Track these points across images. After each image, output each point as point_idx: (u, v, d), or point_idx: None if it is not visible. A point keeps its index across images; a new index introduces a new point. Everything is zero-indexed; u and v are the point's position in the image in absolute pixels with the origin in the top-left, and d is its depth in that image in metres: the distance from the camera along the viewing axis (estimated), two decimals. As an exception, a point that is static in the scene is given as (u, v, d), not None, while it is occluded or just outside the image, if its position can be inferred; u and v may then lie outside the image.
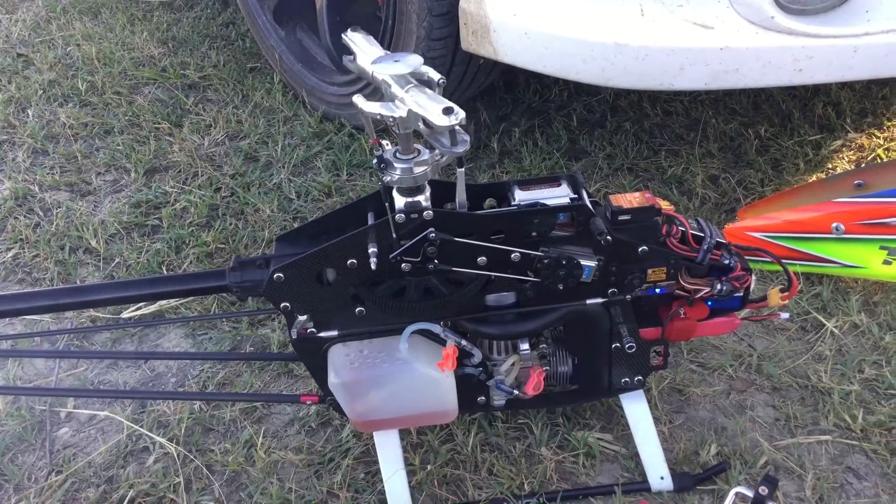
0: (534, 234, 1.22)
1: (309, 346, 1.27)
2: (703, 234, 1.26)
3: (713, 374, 1.55)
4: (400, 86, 1.07)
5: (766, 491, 0.93)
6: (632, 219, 1.22)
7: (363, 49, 1.17)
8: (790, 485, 1.35)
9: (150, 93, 2.76)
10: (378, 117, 1.08)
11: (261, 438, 1.48)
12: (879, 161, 2.12)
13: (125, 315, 1.82)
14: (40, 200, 2.28)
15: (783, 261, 1.33)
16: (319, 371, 1.30)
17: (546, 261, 1.21)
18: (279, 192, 2.22)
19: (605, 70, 1.70)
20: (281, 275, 1.20)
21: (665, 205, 1.27)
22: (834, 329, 1.61)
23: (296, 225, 2.10)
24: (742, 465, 1.37)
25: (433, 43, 2.04)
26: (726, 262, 1.27)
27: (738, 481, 1.34)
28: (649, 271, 1.25)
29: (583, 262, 1.22)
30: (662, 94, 2.46)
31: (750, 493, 0.97)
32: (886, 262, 1.62)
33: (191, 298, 1.83)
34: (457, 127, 1.02)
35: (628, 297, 1.27)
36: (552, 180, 1.28)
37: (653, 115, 2.40)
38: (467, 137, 1.06)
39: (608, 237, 1.20)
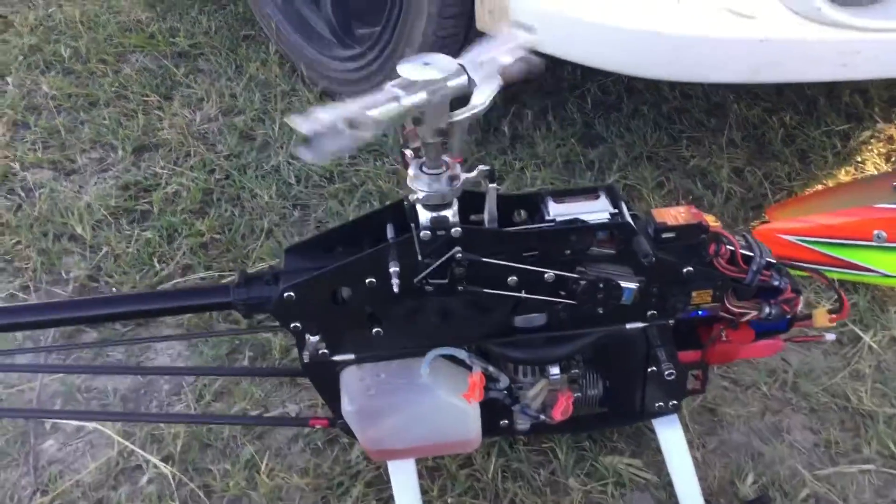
0: (567, 252, 1.11)
1: (321, 369, 1.17)
2: (752, 254, 1.16)
3: (746, 392, 1.46)
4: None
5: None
6: (677, 237, 1.11)
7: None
8: (832, 519, 1.27)
9: (137, 61, 2.60)
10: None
11: (264, 460, 1.38)
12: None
13: (114, 313, 1.69)
14: (22, 179, 2.14)
15: (831, 277, 1.24)
16: (331, 394, 1.19)
17: (583, 282, 1.11)
18: (277, 175, 2.09)
19: (635, 60, 1.58)
20: (292, 294, 1.09)
21: (711, 220, 1.16)
22: (872, 343, 1.52)
23: (296, 213, 1.98)
24: (782, 497, 1.28)
25: (444, 21, 1.90)
26: (776, 283, 1.17)
27: (778, 515, 1.26)
28: (694, 293, 1.15)
29: (623, 285, 1.11)
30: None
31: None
32: (932, 274, 1.53)
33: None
34: None
35: (671, 321, 1.17)
36: (589, 192, 1.16)
37: (671, 99, 2.27)
38: None
39: (652, 258, 1.10)
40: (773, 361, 1.51)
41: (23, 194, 2.09)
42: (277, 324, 1.14)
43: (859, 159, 2.03)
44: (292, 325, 1.13)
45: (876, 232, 1.54)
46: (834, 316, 1.22)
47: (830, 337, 1.30)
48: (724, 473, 1.32)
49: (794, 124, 2.14)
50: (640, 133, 2.14)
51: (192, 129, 2.29)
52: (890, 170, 1.97)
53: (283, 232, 1.91)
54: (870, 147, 2.07)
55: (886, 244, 1.54)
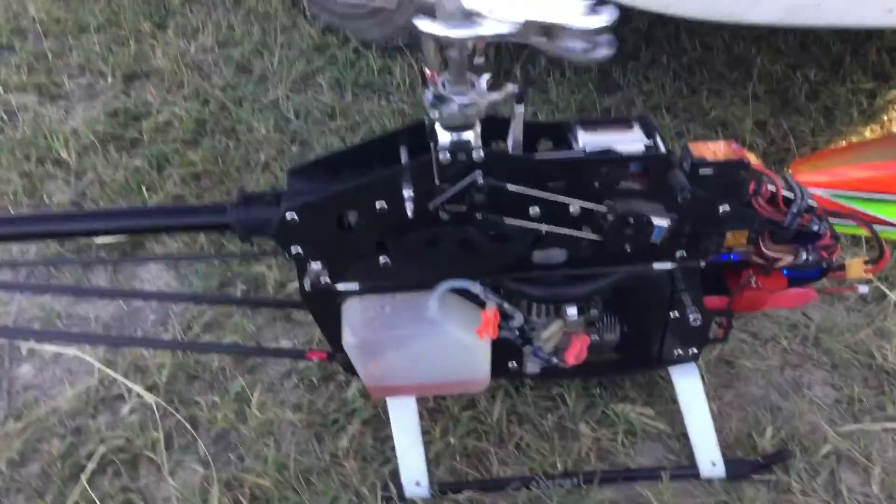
0: (596, 184, 1.02)
1: (322, 298, 1.08)
2: (792, 196, 1.07)
3: (766, 346, 1.39)
4: None
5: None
6: (714, 173, 1.03)
7: None
8: (854, 478, 1.20)
9: (130, -12, 2.47)
10: (472, 41, 0.87)
11: (255, 393, 1.30)
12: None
13: (99, 241, 1.60)
14: (4, 102, 2.03)
15: (860, 231, 1.16)
16: (331, 326, 1.11)
17: (611, 217, 1.02)
18: (276, 109, 1.99)
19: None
20: (295, 216, 1.00)
21: (753, 158, 1.08)
22: (898, 302, 1.45)
23: (295, 148, 1.88)
24: (802, 453, 1.21)
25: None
26: (815, 228, 1.08)
27: (799, 471, 1.19)
28: (728, 235, 1.07)
29: (654, 221, 1.02)
30: (702, 27, 2.23)
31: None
32: (967, 232, 1.45)
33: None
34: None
35: (702, 263, 1.09)
36: (622, 122, 1.07)
37: (691, 50, 2.17)
38: (611, 37, 0.85)
39: (688, 194, 1.01)
40: (794, 316, 1.43)
41: (5, 117, 1.98)
42: (275, 250, 1.06)
43: (885, 118, 1.94)
44: (293, 251, 1.04)
45: (912, 186, 1.46)
46: (871, 267, 1.14)
47: (863, 289, 1.22)
48: (742, 426, 1.25)
49: (818, 80, 2.04)
50: (658, 83, 2.04)
51: (187, 59, 2.18)
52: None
53: (281, 166, 1.81)
54: (895, 106, 1.98)
55: (920, 199, 1.46)
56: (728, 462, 1.19)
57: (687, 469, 1.19)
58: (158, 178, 1.77)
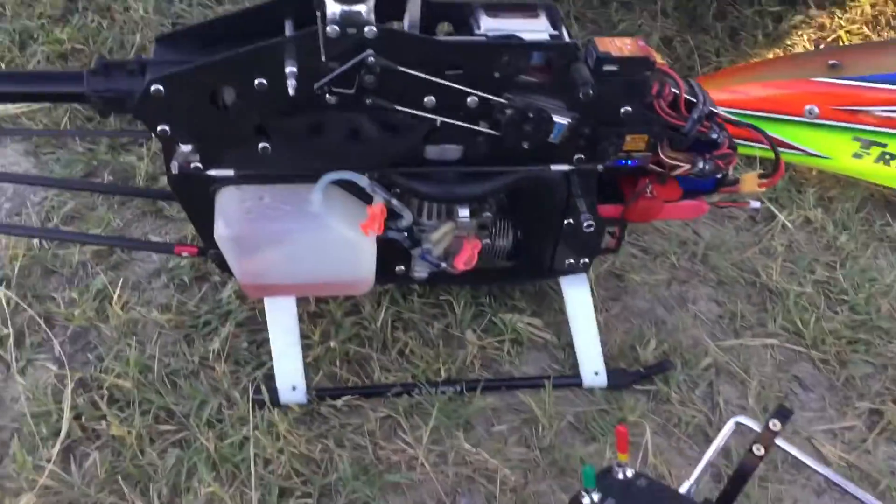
0: (497, 74, 0.96)
1: (192, 185, 0.99)
2: (695, 101, 1.04)
3: (655, 262, 1.38)
4: None
5: (778, 426, 0.76)
6: (619, 70, 0.97)
7: None
8: (732, 391, 1.21)
9: None
10: None
11: (117, 290, 1.19)
12: (844, 43, 1.95)
13: (-54, 118, 1.43)
14: None
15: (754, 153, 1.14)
16: (202, 218, 1.02)
17: (509, 111, 0.96)
18: (158, -12, 1.81)
19: None
20: (160, 87, 0.89)
21: (658, 58, 1.03)
22: (786, 222, 1.46)
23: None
24: (683, 365, 1.22)
25: None
26: (714, 136, 1.06)
27: (678, 383, 1.19)
28: (628, 138, 1.03)
29: (554, 119, 0.97)
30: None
31: (755, 426, 0.80)
32: (857, 156, 1.47)
33: (36, 106, 1.47)
34: None
35: (600, 167, 1.05)
36: (527, 9, 1.01)
37: (605, -40, 2.10)
38: None
39: (590, 90, 0.96)
40: (684, 232, 1.43)
41: None
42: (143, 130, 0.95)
43: (789, 42, 1.94)
44: (159, 128, 0.93)
45: (808, 107, 1.46)
46: (764, 181, 1.13)
47: (755, 205, 1.22)
48: (626, 338, 1.25)
49: (727, 1, 2.02)
50: (568, -9, 1.97)
51: (59, -73, 1.95)
52: (825, 47, 1.89)
53: (161, 50, 1.65)
54: (800, 32, 1.98)
55: (817, 121, 1.47)
56: (610, 372, 1.18)
57: (570, 378, 1.18)
58: (20, 56, 1.59)
